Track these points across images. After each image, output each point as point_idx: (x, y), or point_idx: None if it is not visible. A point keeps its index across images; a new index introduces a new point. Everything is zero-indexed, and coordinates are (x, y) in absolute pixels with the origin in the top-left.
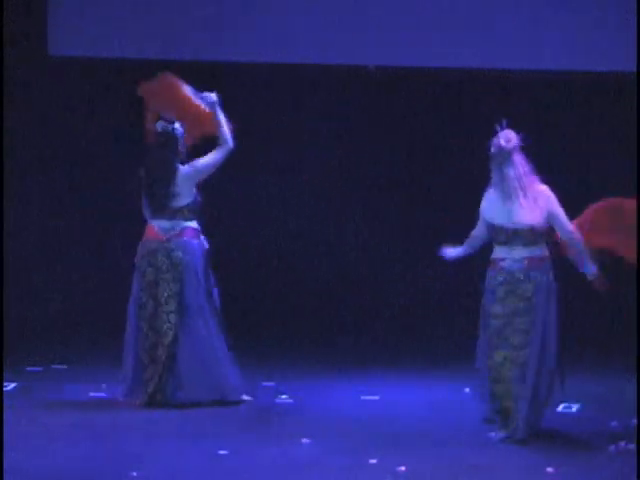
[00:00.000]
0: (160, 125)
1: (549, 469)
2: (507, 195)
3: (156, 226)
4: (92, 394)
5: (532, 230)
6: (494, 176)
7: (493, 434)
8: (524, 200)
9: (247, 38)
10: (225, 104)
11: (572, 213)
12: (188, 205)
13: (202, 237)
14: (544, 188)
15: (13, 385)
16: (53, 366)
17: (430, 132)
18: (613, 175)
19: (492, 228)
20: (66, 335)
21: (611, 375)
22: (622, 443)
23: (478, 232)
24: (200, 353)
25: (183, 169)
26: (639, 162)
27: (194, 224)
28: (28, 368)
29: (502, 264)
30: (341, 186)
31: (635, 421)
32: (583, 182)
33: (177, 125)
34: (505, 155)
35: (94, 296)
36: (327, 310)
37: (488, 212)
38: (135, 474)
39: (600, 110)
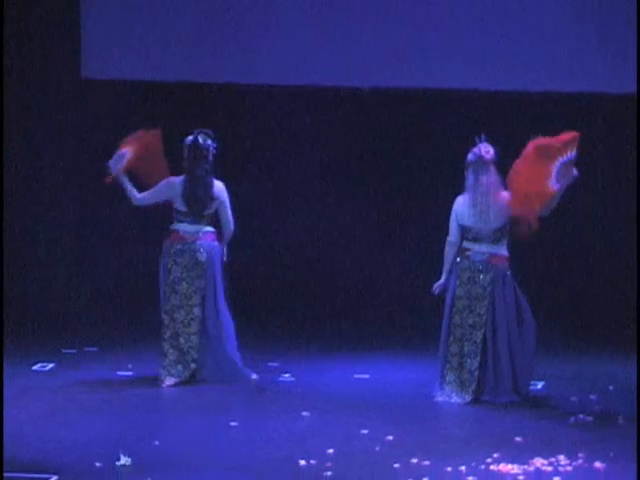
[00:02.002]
0: (201, 138)
1: (518, 438)
2: (478, 199)
3: (180, 230)
4: (119, 373)
5: (496, 231)
6: (469, 181)
7: (441, 398)
8: (492, 205)
9: (260, 62)
10: (241, 123)
11: (568, 236)
12: (214, 212)
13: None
14: (507, 194)
15: (51, 365)
16: (86, 349)
17: (418, 145)
18: (609, 196)
19: (464, 228)
20: (97, 322)
21: (572, 357)
22: (580, 415)
23: (454, 237)
24: (216, 342)
25: (217, 184)
26: (639, 183)
27: (212, 228)
28: (64, 350)
29: (468, 253)
30: (337, 189)
31: (593, 397)
32: (577, 205)
33: (211, 140)
34: (483, 164)
35: (120, 289)
36: (324, 299)
37: (460, 215)
38: (157, 443)
39: (597, 132)
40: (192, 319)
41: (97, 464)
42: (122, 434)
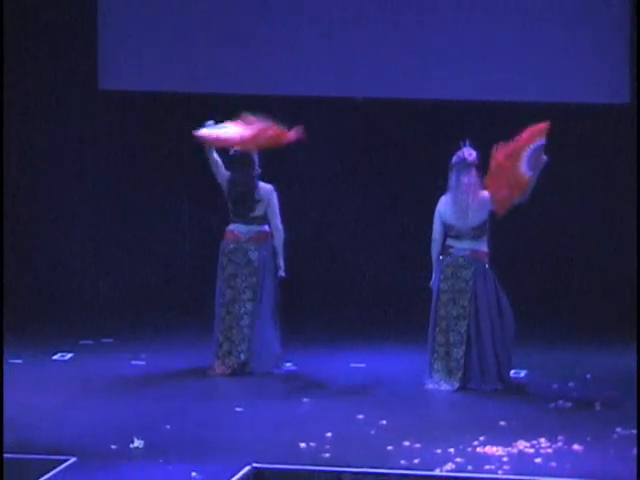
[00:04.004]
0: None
1: (502, 423)
2: (459, 198)
3: (235, 230)
4: (133, 362)
5: (476, 229)
6: (451, 181)
7: (431, 386)
8: (472, 204)
9: (273, 75)
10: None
11: (552, 229)
12: (263, 214)
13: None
14: (486, 193)
15: (70, 355)
16: (102, 340)
17: (413, 150)
18: (603, 197)
19: (446, 225)
20: (112, 315)
21: (553, 346)
22: (560, 402)
23: (437, 234)
24: (264, 335)
25: (264, 187)
26: (639, 179)
27: (266, 228)
28: (82, 341)
29: (451, 250)
30: (335, 189)
31: (572, 384)
32: (568, 202)
33: None
34: (465, 165)
35: (135, 281)
36: (323, 295)
37: (443, 214)
38: (168, 427)
39: (591, 142)
40: (245, 313)
41: (112, 446)
42: (135, 419)
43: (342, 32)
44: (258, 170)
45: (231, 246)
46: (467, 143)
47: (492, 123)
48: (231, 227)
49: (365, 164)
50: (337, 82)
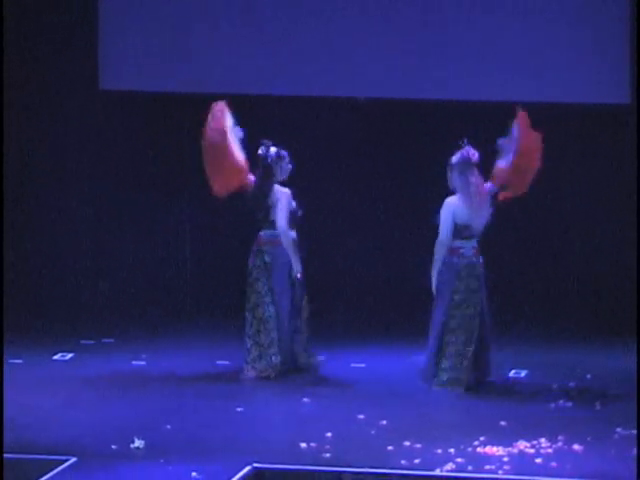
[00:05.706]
0: (260, 149)
1: (502, 423)
2: (470, 198)
3: (261, 235)
4: (134, 362)
5: (484, 226)
6: (459, 181)
7: (437, 387)
8: (481, 203)
9: (272, 74)
10: (254, 131)
11: (549, 231)
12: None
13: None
14: (488, 186)
15: (70, 355)
16: (103, 340)
17: (412, 153)
18: (603, 199)
19: (460, 226)
20: (113, 315)
21: (553, 347)
22: (560, 401)
23: (446, 239)
24: (288, 338)
25: (278, 190)
26: (639, 180)
27: (292, 234)
28: (82, 341)
29: (461, 251)
30: (335, 189)
31: (572, 384)
32: (567, 205)
33: (272, 150)
34: (469, 165)
35: (135, 281)
36: (323, 296)
37: (458, 215)
38: (169, 427)
39: (591, 141)
40: (269, 316)
41: (113, 446)
42: (136, 419)
43: (342, 32)
44: (277, 176)
45: (254, 249)
46: (466, 142)
47: (492, 123)
48: (260, 232)
49: (364, 164)
50: (337, 82)
